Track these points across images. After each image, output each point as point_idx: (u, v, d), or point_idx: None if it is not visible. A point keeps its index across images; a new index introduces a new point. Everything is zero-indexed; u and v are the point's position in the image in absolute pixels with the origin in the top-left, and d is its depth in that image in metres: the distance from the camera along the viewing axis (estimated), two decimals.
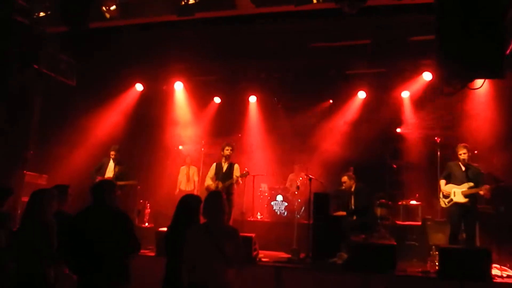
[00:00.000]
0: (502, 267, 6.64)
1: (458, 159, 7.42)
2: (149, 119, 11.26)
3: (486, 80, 7.22)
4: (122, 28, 8.57)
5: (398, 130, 10.97)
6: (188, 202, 4.74)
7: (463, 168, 7.36)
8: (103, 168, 8.95)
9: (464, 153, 7.32)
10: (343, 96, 11.09)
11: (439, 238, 8.05)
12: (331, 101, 11.53)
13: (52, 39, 8.77)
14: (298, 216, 9.79)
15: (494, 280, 6.15)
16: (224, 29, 8.79)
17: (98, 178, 8.52)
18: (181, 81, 10.97)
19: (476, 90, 7.25)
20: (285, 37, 8.88)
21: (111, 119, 10.60)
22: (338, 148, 10.84)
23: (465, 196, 7.21)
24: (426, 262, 7.25)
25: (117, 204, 4.44)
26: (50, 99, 9.57)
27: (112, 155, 8.95)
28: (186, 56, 9.61)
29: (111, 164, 8.96)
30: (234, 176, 8.48)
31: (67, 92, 9.55)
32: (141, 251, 7.02)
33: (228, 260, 4.20)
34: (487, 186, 7.02)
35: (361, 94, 10.84)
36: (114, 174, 8.83)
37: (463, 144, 7.47)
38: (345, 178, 8.19)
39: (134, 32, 8.74)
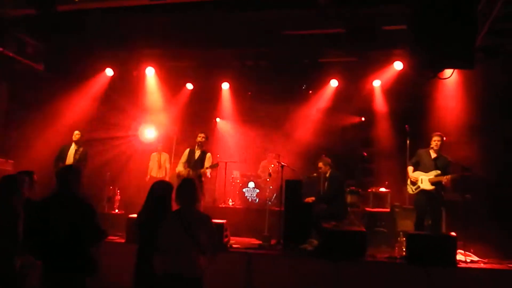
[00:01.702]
0: (467, 252, 6.85)
1: (430, 147, 7.57)
2: (119, 105, 11.06)
3: (455, 71, 7.43)
4: (91, 11, 8.36)
5: (369, 118, 11.12)
6: (159, 188, 4.70)
7: (433, 156, 7.52)
8: (63, 154, 8.69)
9: (438, 141, 7.46)
10: (316, 84, 11.12)
11: (407, 224, 8.24)
12: (310, 92, 11.53)
13: (19, 22, 8.49)
14: (270, 203, 9.84)
15: (458, 265, 6.35)
16: (197, 15, 8.67)
17: (60, 165, 8.33)
18: (152, 66, 10.76)
19: (446, 80, 7.44)
20: (259, 25, 8.81)
21: (80, 104, 10.36)
22: (310, 136, 10.94)
23: (432, 183, 7.38)
24: (394, 248, 7.43)
25: (82, 191, 4.35)
26: (17, 84, 9.30)
27: (77, 135, 8.71)
28: (158, 41, 9.45)
29: (72, 149, 8.70)
30: (204, 167, 8.45)
31: (34, 76, 9.30)
32: (111, 238, 7.05)
33: (201, 247, 4.20)
34: (448, 176, 7.21)
35: (334, 83, 10.89)
36: (74, 159, 8.59)
37: (438, 132, 7.60)
38: (320, 164, 8.19)
39: (104, 16, 8.53)
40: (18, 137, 9.28)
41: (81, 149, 8.70)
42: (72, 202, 4.17)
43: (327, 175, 8.17)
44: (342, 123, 10.94)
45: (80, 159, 8.56)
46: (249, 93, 11.85)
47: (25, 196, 4.52)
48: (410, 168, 7.76)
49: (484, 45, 7.53)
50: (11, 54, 8.50)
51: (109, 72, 10.79)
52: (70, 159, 8.60)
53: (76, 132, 8.72)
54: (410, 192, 7.70)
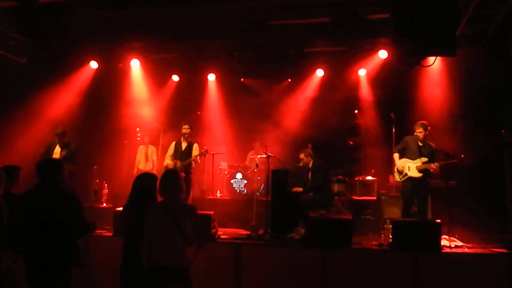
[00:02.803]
0: (451, 238, 6.94)
1: (415, 136, 7.65)
2: (105, 98, 10.94)
3: (440, 58, 7.50)
4: (74, 3, 8.27)
5: (355, 107, 11.16)
6: (143, 180, 4.70)
7: (420, 144, 7.60)
8: (50, 151, 8.58)
9: (420, 132, 7.54)
10: (302, 74, 11.13)
11: (393, 212, 8.32)
12: (289, 80, 11.56)
13: (0, 16, 8.37)
14: (258, 193, 9.89)
15: (443, 251, 6.45)
16: (182, 6, 8.63)
17: None
18: (137, 58, 10.67)
19: (430, 68, 7.54)
20: (244, 15, 8.79)
21: (65, 98, 10.21)
22: (297, 126, 10.97)
23: (419, 170, 7.47)
24: (381, 235, 7.51)
25: (64, 183, 4.33)
26: (0, 78, 9.18)
27: (56, 138, 8.60)
28: (143, 33, 9.37)
29: (58, 148, 8.56)
30: (193, 155, 8.49)
31: (17, 70, 9.19)
32: (99, 231, 7.03)
33: (186, 237, 4.23)
34: (436, 164, 7.32)
35: (320, 72, 10.91)
36: (60, 155, 8.43)
37: (421, 122, 7.66)
38: (302, 155, 8.30)
39: (87, 8, 8.44)
40: (3, 133, 9.18)
41: (65, 150, 8.54)
42: (54, 194, 4.15)
43: (310, 165, 8.23)
44: (328, 112, 10.96)
45: (68, 155, 8.41)
46: (242, 79, 11.82)
47: (1, 190, 4.47)
48: (396, 155, 7.83)
49: (466, 33, 7.60)
50: None
51: (93, 65, 10.69)
52: (56, 155, 8.50)
53: (55, 137, 8.55)
54: (398, 180, 7.79)
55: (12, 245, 4.20)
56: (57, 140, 8.55)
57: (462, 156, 7.39)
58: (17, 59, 8.95)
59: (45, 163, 4.49)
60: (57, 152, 8.50)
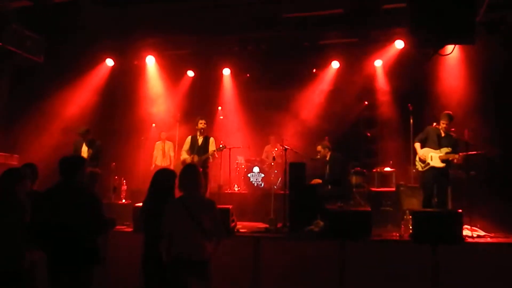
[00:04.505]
0: (473, 228, 6.85)
1: (438, 125, 7.56)
2: (121, 95, 11.06)
3: (458, 47, 7.38)
4: (89, 1, 8.32)
5: (372, 99, 11.06)
6: (162, 176, 4.72)
7: (442, 134, 7.52)
8: (77, 151, 8.70)
9: (445, 123, 7.46)
10: (317, 66, 11.07)
11: (413, 203, 8.25)
12: (314, 70, 11.45)
13: (17, 15, 8.46)
14: (276, 187, 9.87)
15: (465, 241, 6.36)
16: (195, 1, 8.63)
17: None
18: (153, 55, 10.73)
19: (448, 57, 7.43)
20: (257, 8, 8.75)
21: (82, 95, 10.33)
22: (313, 118, 10.92)
23: (442, 160, 7.40)
24: (401, 226, 7.44)
25: (84, 180, 4.36)
26: (18, 77, 9.29)
27: (80, 137, 8.76)
28: (157, 30, 9.40)
29: (84, 147, 8.74)
30: (210, 151, 8.50)
31: (35, 69, 9.29)
32: (119, 227, 7.10)
33: (206, 232, 4.23)
34: (460, 154, 7.24)
35: (335, 64, 10.83)
36: (88, 153, 8.63)
37: (446, 112, 7.57)
38: (319, 148, 8.27)
39: (102, 6, 8.49)
40: (22, 132, 9.30)
41: (91, 149, 8.69)
42: (75, 191, 4.19)
43: (327, 158, 8.19)
44: (344, 104, 10.88)
45: (94, 153, 8.62)
46: (248, 75, 11.77)
47: (28, 188, 4.54)
48: (417, 145, 7.76)
49: (485, 20, 7.46)
50: (10, 48, 8.47)
51: (109, 62, 10.77)
52: (84, 153, 8.63)
53: (79, 133, 8.75)
54: (420, 169, 7.72)
55: (35, 242, 4.24)
56: (82, 139, 8.68)
57: (485, 149, 7.26)
58: (34, 58, 9.04)
59: (68, 160, 4.52)
60: (84, 151, 8.65)
